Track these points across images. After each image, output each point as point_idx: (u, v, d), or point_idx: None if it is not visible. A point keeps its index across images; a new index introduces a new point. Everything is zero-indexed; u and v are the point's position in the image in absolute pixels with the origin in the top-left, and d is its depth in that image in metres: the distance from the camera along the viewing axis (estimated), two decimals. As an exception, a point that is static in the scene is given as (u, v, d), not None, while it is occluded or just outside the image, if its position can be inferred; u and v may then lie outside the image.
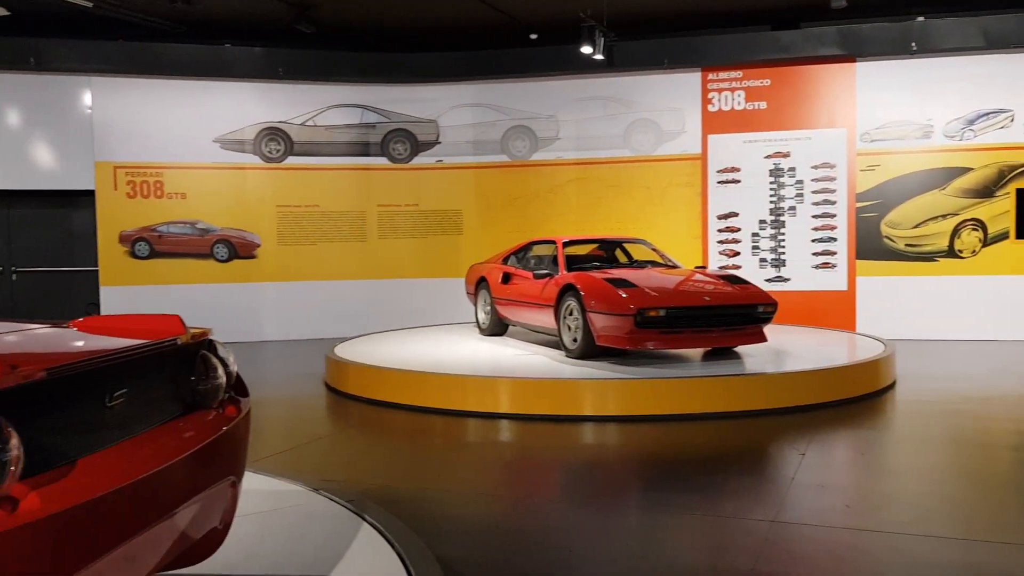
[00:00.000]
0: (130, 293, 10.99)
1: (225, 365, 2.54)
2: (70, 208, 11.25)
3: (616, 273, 7.79)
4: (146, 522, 1.99)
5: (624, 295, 7.09)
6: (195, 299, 10.92)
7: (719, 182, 11.45)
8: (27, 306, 10.94)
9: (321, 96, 11.77)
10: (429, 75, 11.94)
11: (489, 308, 9.26)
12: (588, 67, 11.20)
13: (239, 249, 11.58)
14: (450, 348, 8.65)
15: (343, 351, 8.37)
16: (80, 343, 2.11)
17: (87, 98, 10.99)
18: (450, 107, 12.08)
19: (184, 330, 2.37)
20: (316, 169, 11.82)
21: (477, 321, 9.59)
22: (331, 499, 3.99)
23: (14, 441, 1.59)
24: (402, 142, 12.07)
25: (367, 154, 12.01)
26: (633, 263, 8.77)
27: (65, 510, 1.68)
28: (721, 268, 10.99)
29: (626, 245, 9.24)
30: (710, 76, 11.42)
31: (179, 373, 2.34)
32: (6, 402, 1.63)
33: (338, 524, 3.64)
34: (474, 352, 8.39)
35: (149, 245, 11.23)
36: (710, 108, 11.44)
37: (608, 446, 6.03)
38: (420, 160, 12.14)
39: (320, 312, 11.70)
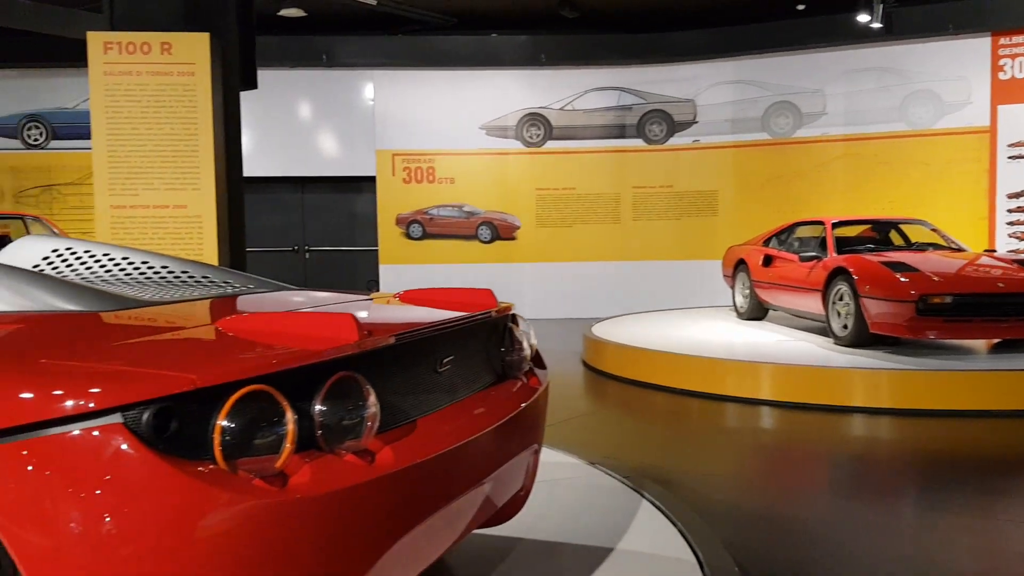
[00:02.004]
0: (405, 271, 11.83)
1: (527, 338, 2.69)
2: (354, 193, 12.30)
3: (893, 256, 7.33)
4: (472, 482, 2.16)
5: (904, 279, 6.65)
6: (461, 278, 11.55)
7: (1011, 157, 10.35)
8: (317, 282, 12.13)
9: (580, 80, 11.97)
10: (687, 53, 11.77)
11: (748, 291, 9.03)
12: (861, 37, 10.54)
13: (501, 231, 12.10)
14: (706, 331, 8.54)
15: (601, 331, 8.52)
16: (414, 313, 2.32)
17: (369, 90, 11.93)
18: (709, 85, 11.84)
19: (496, 303, 2.53)
20: (573, 153, 12.06)
21: (735, 305, 9.38)
22: (608, 474, 4.08)
23: (372, 399, 1.78)
24: (658, 123, 12.01)
25: (623, 136, 12.07)
26: (911, 245, 8.17)
27: (413, 465, 1.85)
28: (1012, 252, 9.96)
29: (902, 226, 8.63)
30: (1002, 40, 10.34)
31: (490, 344, 2.51)
32: (364, 364, 1.83)
33: (617, 498, 3.72)
34: (731, 336, 8.23)
35: (421, 227, 12.03)
36: (1001, 76, 10.37)
37: (880, 440, 5.71)
38: (676, 141, 12.02)
39: (575, 292, 11.96)
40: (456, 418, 2.13)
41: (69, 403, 1.44)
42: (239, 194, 6.63)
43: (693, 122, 11.96)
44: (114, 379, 1.49)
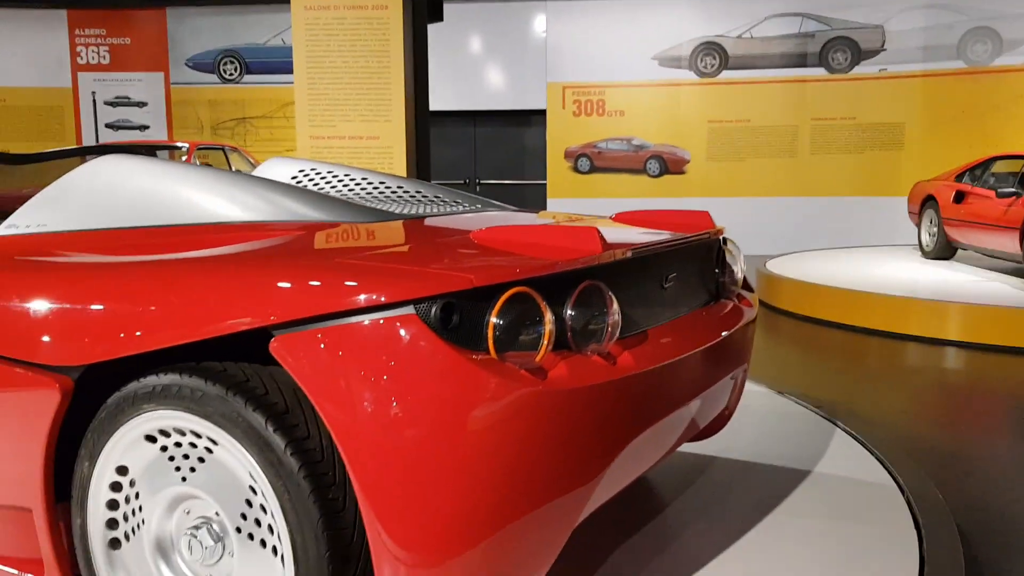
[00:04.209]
0: (572, 205, 11.94)
1: (738, 261, 2.74)
2: (524, 126, 12.45)
3: (1105, 193, 6.83)
4: (692, 393, 2.27)
5: (1119, 218, 6.18)
6: (628, 212, 11.53)
7: None
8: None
9: (760, 6, 11.53)
10: (877, -24, 11.11)
11: (936, 229, 8.63)
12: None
13: (670, 165, 11.97)
14: (887, 269, 8.26)
15: (775, 266, 8.40)
16: (640, 230, 2.43)
17: (542, 22, 11.94)
18: (899, 10, 11.14)
19: (714, 225, 2.60)
20: (748, 83, 11.70)
21: (920, 243, 9.00)
22: (798, 402, 4.11)
23: (615, 307, 1.90)
24: (842, 51, 11.44)
25: (804, 65, 11.58)
26: None
27: (649, 370, 1.98)
28: None
29: (1117, 161, 7.96)
30: None
31: (705, 265, 2.58)
32: (605, 274, 1.95)
33: (809, 426, 3.75)
34: (915, 274, 7.94)
35: (590, 161, 12.07)
36: None
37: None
38: (861, 69, 11.42)
39: (746, 228, 11.66)
40: (680, 332, 2.23)
41: (369, 296, 1.64)
42: (426, 126, 6.88)
43: (881, 50, 11.32)
44: (407, 276, 1.68)
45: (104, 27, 12.19)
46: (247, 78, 12.22)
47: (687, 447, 3.34)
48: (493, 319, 1.68)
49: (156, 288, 1.82)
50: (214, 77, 12.30)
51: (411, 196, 2.80)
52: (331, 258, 1.84)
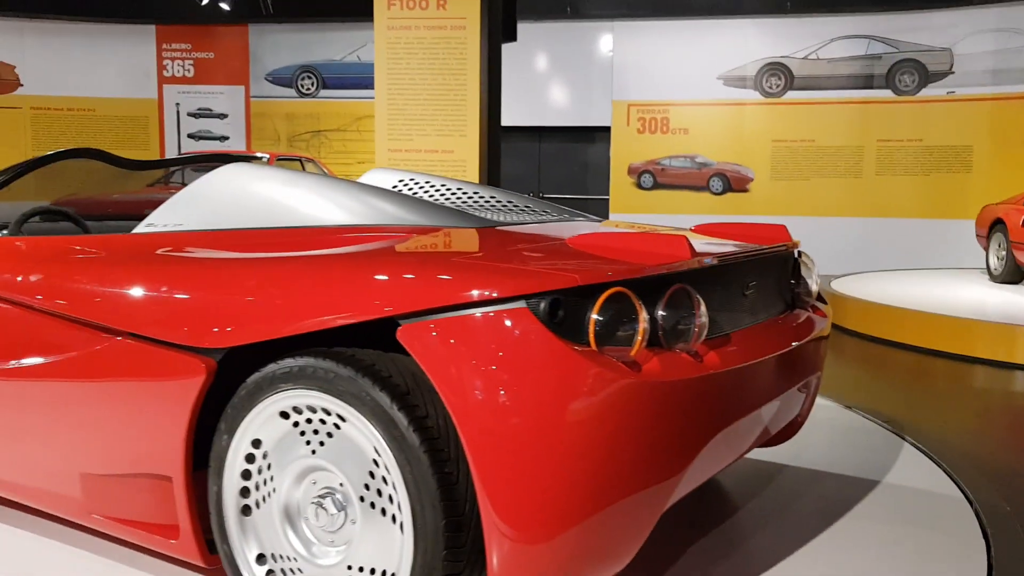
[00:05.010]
0: (634, 221, 12.03)
1: (812, 273, 2.88)
2: (588, 143, 12.63)
3: None
4: (772, 394, 2.41)
5: None
6: (690, 229, 11.62)
7: None
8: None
9: (826, 28, 11.56)
10: (946, -1, 11.08)
11: (1004, 253, 8.57)
12: None
13: (733, 183, 12.03)
14: (954, 291, 8.22)
15: (840, 286, 8.42)
16: (722, 241, 2.58)
17: (609, 41, 12.13)
18: (968, 33, 11.07)
19: (790, 238, 2.74)
20: (814, 103, 11.71)
21: (988, 266, 8.93)
22: (866, 417, 4.19)
23: (702, 309, 2.06)
24: (910, 73, 11.40)
25: (870, 87, 11.56)
26: None
27: (734, 369, 2.13)
28: None
29: None
30: None
31: (782, 275, 2.73)
32: (694, 279, 2.11)
33: (877, 439, 3.84)
34: (983, 297, 7.90)
35: (653, 177, 12.19)
36: None
37: None
38: (928, 92, 11.37)
39: (809, 248, 11.60)
40: (759, 336, 2.38)
41: (483, 291, 1.82)
42: (497, 141, 7.09)
43: (949, 72, 11.26)
44: (519, 275, 1.87)
45: (190, 42, 12.74)
46: (323, 92, 12.63)
47: (758, 453, 3.46)
48: (594, 315, 1.85)
49: (293, 281, 2.04)
50: (292, 91, 12.74)
51: (503, 205, 2.99)
52: (448, 257, 2.04)
